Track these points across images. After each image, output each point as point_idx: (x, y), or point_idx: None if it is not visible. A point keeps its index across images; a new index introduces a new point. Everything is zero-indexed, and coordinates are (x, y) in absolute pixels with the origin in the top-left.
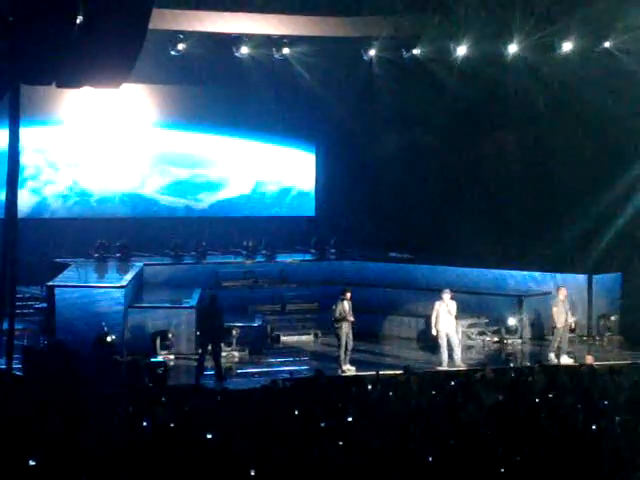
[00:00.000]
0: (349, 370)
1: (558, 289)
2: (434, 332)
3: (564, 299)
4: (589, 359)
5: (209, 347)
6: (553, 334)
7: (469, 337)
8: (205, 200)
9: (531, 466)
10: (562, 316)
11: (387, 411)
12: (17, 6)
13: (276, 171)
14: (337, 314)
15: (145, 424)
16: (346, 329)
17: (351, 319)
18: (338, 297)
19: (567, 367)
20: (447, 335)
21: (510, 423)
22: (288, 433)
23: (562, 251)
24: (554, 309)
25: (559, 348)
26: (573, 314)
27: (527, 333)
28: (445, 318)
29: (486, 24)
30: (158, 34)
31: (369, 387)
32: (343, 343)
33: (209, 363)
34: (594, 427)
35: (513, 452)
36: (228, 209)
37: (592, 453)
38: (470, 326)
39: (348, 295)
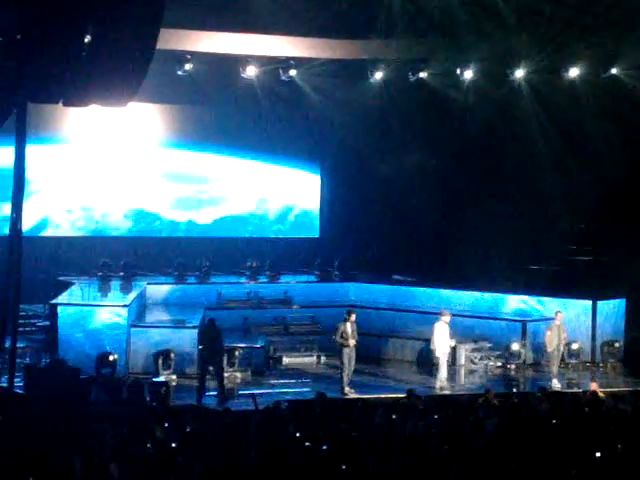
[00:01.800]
0: (350, 393)
1: (556, 314)
2: (438, 352)
3: (559, 324)
4: (593, 386)
5: (210, 368)
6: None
7: (472, 361)
8: (208, 216)
9: None
10: (555, 340)
11: (390, 434)
12: (25, 25)
13: (280, 190)
14: (338, 336)
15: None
16: (348, 351)
17: (352, 342)
18: (342, 317)
19: (571, 394)
20: (444, 355)
21: (512, 449)
22: (289, 455)
23: (567, 275)
24: (547, 333)
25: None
26: (566, 340)
27: (530, 358)
28: (444, 338)
29: (493, 47)
30: (165, 54)
31: (372, 410)
32: (346, 365)
33: (211, 383)
34: (597, 454)
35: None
36: (231, 225)
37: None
38: (473, 350)
39: (353, 317)
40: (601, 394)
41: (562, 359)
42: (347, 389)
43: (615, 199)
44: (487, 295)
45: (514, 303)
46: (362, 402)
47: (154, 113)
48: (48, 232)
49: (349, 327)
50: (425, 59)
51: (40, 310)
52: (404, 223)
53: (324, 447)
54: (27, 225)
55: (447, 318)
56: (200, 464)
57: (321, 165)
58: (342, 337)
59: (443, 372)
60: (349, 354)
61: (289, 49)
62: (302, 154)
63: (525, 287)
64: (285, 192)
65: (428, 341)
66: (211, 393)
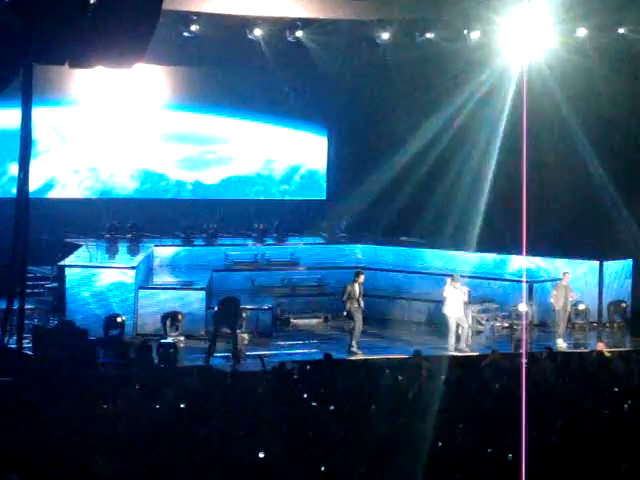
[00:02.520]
0: (358, 352)
1: (564, 274)
2: (449, 315)
3: (566, 284)
4: (600, 346)
5: (223, 330)
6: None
7: (479, 322)
8: (215, 176)
9: (540, 452)
10: (561, 300)
11: (396, 395)
12: None
13: (287, 150)
14: (345, 296)
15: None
16: (356, 311)
17: (360, 303)
18: (350, 279)
19: (578, 354)
20: (457, 320)
21: (518, 409)
22: (296, 416)
23: (574, 237)
24: (553, 292)
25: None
26: (574, 300)
27: (537, 319)
28: (455, 303)
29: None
30: (171, 15)
31: (378, 371)
32: (357, 324)
33: (220, 345)
34: (605, 412)
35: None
36: (237, 185)
37: (602, 439)
38: (480, 312)
39: (361, 278)
40: (607, 354)
41: (569, 319)
42: (354, 349)
43: (623, 160)
44: (495, 256)
45: (521, 263)
46: (369, 363)
47: (160, 74)
48: (55, 192)
49: (357, 288)
50: (432, 19)
51: (48, 272)
52: (411, 185)
53: (331, 407)
54: (34, 186)
55: (458, 282)
56: (205, 430)
57: (328, 126)
58: (350, 297)
59: (452, 336)
60: (357, 315)
61: (296, 9)
62: (309, 115)
63: (531, 247)
64: (292, 153)
65: (436, 302)
66: (219, 354)
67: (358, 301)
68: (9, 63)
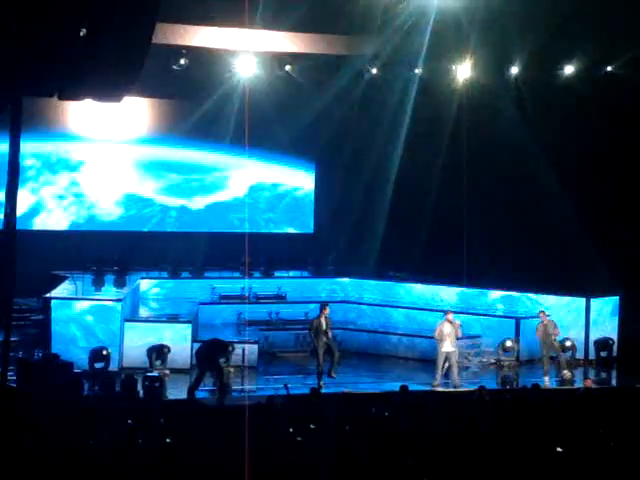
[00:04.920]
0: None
1: (539, 313)
2: (441, 350)
3: (547, 322)
4: (588, 382)
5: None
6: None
7: (466, 357)
8: (199, 202)
9: None
10: (544, 337)
11: (382, 429)
12: (20, 18)
13: (274, 181)
14: (312, 330)
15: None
16: (323, 344)
17: (328, 335)
18: (331, 313)
19: (564, 390)
20: (447, 354)
21: (506, 446)
22: (282, 449)
23: (561, 273)
24: (537, 329)
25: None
26: (557, 337)
27: (523, 355)
28: (448, 338)
29: (487, 46)
30: (160, 49)
31: (366, 405)
32: (320, 357)
33: (205, 380)
34: (590, 449)
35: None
36: (222, 211)
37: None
38: (467, 347)
39: (327, 310)
40: (592, 389)
41: (554, 356)
42: (322, 383)
43: (612, 195)
44: (481, 292)
45: (507, 299)
46: (355, 397)
47: (147, 106)
48: (41, 218)
49: (323, 321)
50: (419, 54)
51: (33, 304)
52: (398, 218)
53: (316, 442)
54: (19, 211)
55: (450, 316)
56: (193, 461)
57: (316, 159)
58: (317, 331)
59: (438, 372)
60: (323, 347)
61: (285, 44)
62: (296, 148)
63: (519, 283)
64: (279, 184)
65: (424, 338)
66: (204, 388)
67: (326, 333)
68: None
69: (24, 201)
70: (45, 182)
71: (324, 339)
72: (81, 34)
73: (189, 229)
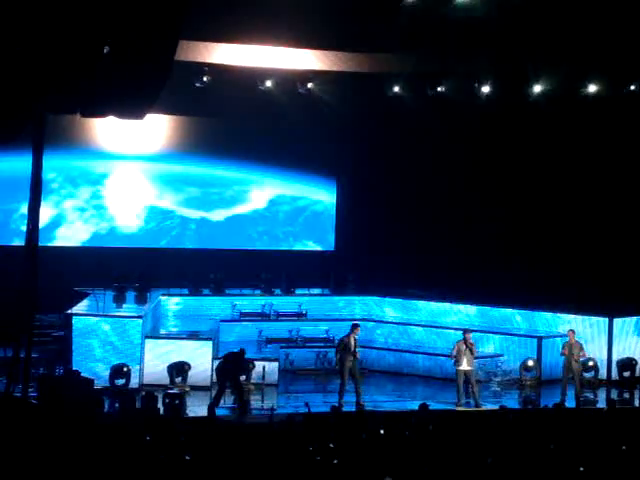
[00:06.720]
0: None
1: (568, 332)
2: (458, 369)
3: (573, 342)
4: (609, 403)
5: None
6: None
7: (487, 377)
8: (219, 214)
9: None
10: (569, 357)
11: (401, 449)
12: (43, 36)
13: (296, 197)
14: (340, 348)
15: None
16: (349, 364)
17: (357, 355)
18: (348, 331)
19: (586, 410)
20: (465, 374)
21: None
22: (302, 468)
23: (584, 292)
24: (562, 349)
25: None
26: (582, 357)
27: (545, 375)
28: (465, 357)
29: (511, 65)
30: (183, 66)
31: (385, 424)
32: (345, 376)
33: (226, 397)
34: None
35: None
36: (242, 223)
37: None
38: (488, 365)
39: (358, 331)
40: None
41: (579, 376)
42: (342, 401)
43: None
44: (505, 310)
45: (530, 318)
46: (376, 416)
47: (168, 123)
48: (62, 229)
49: (352, 341)
50: (443, 73)
51: (55, 320)
52: (418, 237)
53: (334, 461)
54: (40, 223)
55: (469, 335)
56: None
57: (337, 177)
58: (346, 350)
59: (460, 392)
60: (349, 366)
61: (307, 62)
62: (319, 166)
63: (543, 303)
64: (299, 197)
65: (444, 356)
66: (225, 406)
67: (354, 354)
68: (21, 112)
69: (45, 213)
70: (67, 195)
71: (351, 358)
72: (104, 52)
73: (209, 243)
